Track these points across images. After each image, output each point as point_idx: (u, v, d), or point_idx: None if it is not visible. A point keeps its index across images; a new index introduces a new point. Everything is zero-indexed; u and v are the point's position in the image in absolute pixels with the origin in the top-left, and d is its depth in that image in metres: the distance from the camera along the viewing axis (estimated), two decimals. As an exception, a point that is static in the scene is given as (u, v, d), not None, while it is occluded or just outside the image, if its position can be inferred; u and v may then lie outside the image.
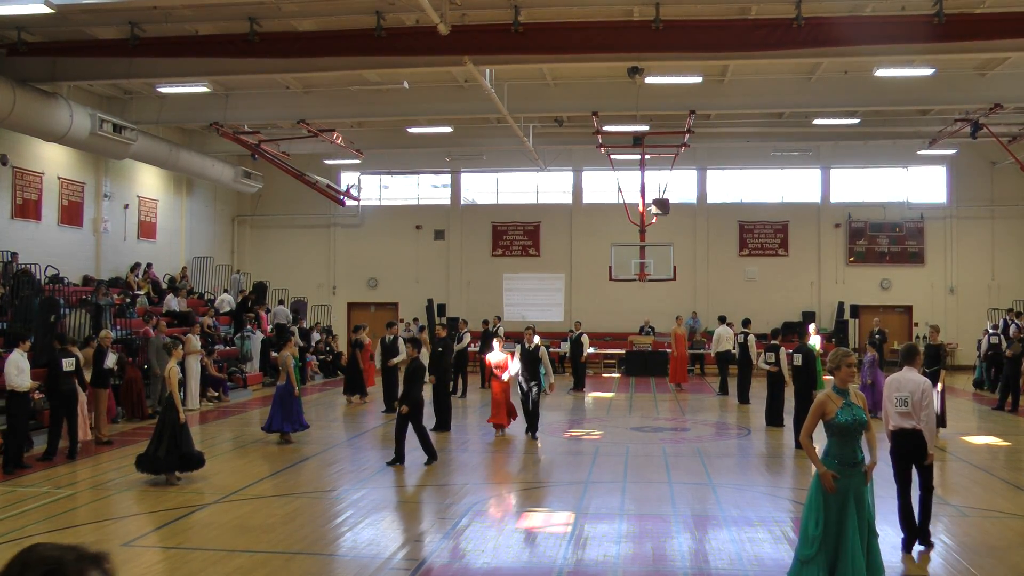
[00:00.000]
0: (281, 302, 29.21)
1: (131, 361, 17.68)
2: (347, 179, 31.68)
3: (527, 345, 15.31)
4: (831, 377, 7.18)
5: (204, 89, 20.76)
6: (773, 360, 16.40)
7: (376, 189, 33.06)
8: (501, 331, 24.63)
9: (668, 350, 28.73)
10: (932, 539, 8.55)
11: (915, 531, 8.44)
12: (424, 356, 22.83)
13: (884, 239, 30.71)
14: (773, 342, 16.82)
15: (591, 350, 26.80)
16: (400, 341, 18.96)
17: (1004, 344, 21.54)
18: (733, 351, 21.54)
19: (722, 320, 23.47)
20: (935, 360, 16.04)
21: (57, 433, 13.41)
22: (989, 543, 8.75)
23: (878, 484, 10.84)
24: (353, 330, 24.29)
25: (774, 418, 16.60)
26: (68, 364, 13.38)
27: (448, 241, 32.36)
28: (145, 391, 17.88)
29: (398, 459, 12.62)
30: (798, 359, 14.76)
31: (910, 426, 8.17)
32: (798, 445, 13.30)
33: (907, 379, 8.23)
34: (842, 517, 6.54)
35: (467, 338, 22.94)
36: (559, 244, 31.83)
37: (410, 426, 12.64)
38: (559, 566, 8.01)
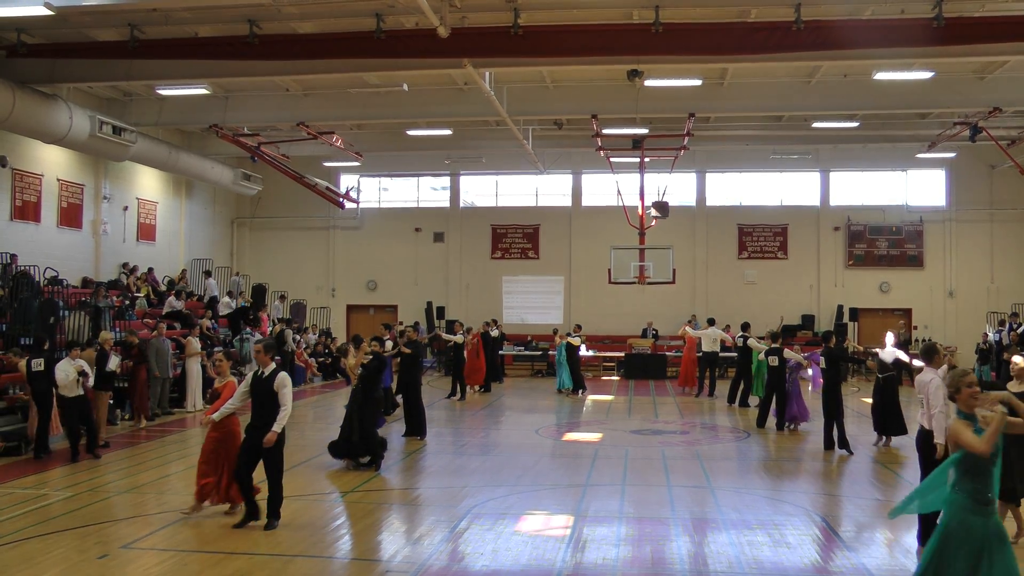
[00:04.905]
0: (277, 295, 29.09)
1: (133, 364, 17.57)
2: (346, 181, 31.66)
3: (260, 371, 9.51)
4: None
5: (204, 91, 20.75)
6: (777, 363, 16.46)
7: (375, 191, 33.07)
8: (472, 330, 24.07)
9: (668, 353, 28.82)
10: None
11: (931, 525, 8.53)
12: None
13: (883, 242, 30.71)
14: (774, 345, 16.95)
15: (589, 353, 26.71)
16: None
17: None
18: (723, 353, 21.50)
19: (711, 323, 23.45)
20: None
21: None
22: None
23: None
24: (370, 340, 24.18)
25: (765, 420, 16.73)
26: None
27: (447, 244, 32.37)
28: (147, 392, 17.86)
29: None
30: (822, 362, 14.73)
31: (927, 425, 8.48)
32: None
33: (924, 381, 8.55)
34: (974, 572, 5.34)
35: (461, 337, 22.75)
36: (558, 247, 31.82)
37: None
38: (558, 569, 8.01)
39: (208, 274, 27.65)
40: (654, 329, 29.81)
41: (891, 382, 14.74)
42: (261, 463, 9.27)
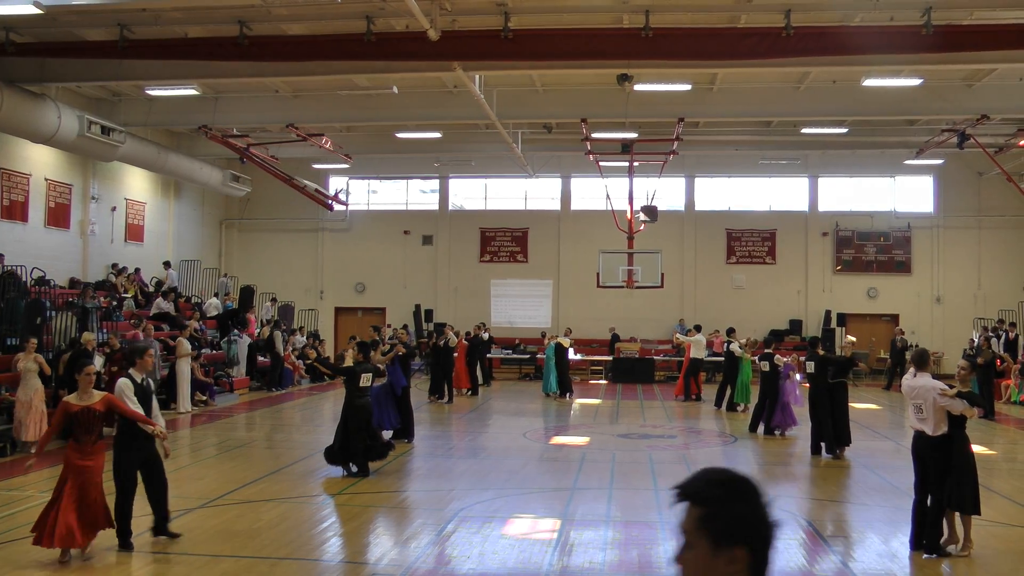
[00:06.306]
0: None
1: (118, 369, 17.26)
2: (335, 184, 31.58)
3: (143, 379, 8.88)
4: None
5: (193, 92, 20.72)
6: (768, 368, 16.48)
7: (364, 194, 33.03)
8: (459, 333, 23.63)
9: (656, 357, 28.85)
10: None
11: (924, 530, 8.56)
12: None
13: (871, 248, 30.83)
14: (767, 351, 16.99)
15: (577, 356, 26.68)
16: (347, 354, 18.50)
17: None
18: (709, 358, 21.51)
19: (698, 329, 23.45)
20: (845, 370, 14.71)
21: None
22: (974, 550, 8.75)
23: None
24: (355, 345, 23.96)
25: (757, 426, 16.75)
26: None
27: (436, 247, 32.34)
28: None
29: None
30: (811, 367, 14.67)
31: (928, 431, 8.47)
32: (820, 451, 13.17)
33: (919, 385, 8.58)
34: None
35: (454, 339, 22.68)
36: (547, 250, 31.84)
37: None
38: (544, 572, 8.01)
39: (167, 264, 27.11)
40: (615, 333, 29.78)
41: (843, 388, 14.40)
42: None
